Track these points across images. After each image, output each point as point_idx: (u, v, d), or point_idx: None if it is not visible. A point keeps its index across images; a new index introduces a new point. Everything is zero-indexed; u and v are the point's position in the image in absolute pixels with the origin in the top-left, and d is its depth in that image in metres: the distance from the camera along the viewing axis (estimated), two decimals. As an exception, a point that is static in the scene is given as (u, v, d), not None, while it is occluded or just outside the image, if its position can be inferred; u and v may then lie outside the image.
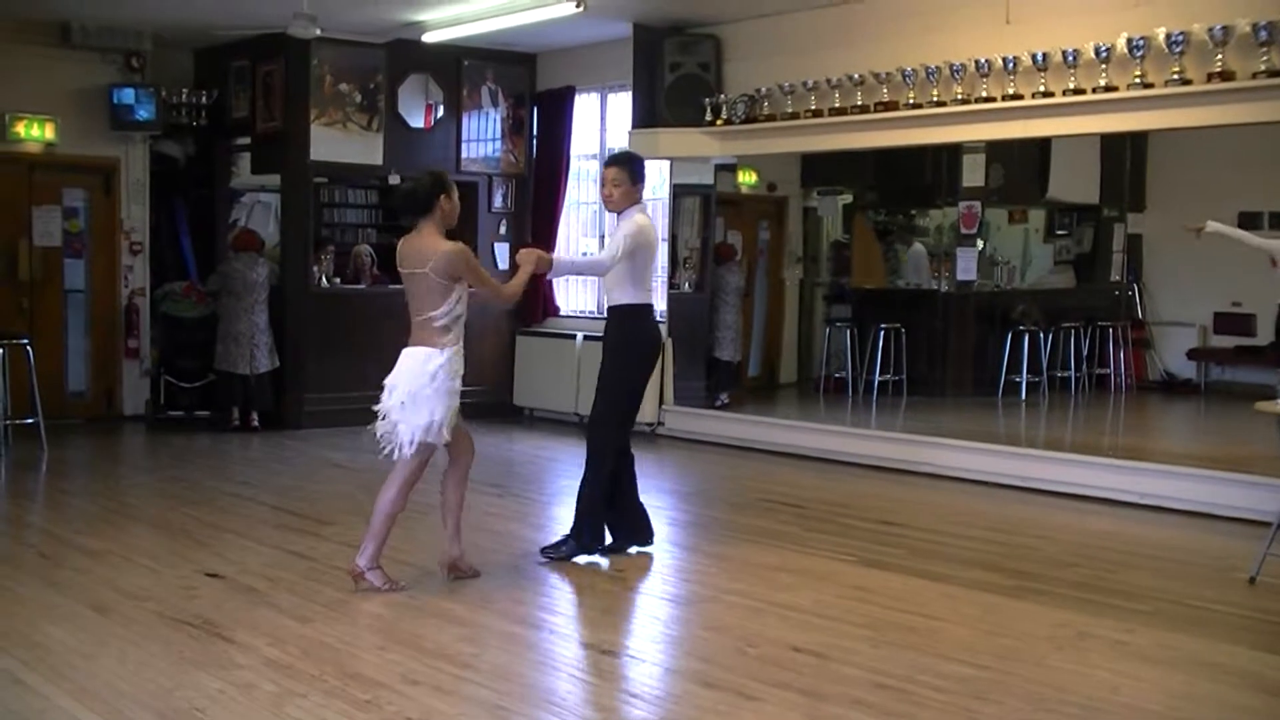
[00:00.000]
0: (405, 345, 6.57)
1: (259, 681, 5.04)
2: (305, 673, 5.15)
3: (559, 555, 7.30)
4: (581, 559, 7.28)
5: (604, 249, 7.52)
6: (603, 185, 7.42)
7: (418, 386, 6.39)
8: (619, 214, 7.44)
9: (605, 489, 7.35)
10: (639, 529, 7.58)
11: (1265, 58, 8.12)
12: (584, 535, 7.35)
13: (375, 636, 5.68)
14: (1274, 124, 8.79)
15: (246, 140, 13.14)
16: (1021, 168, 14.05)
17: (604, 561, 7.35)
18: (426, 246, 6.51)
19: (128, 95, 12.50)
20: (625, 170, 7.32)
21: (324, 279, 12.96)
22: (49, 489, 9.79)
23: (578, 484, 7.42)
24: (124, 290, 12.84)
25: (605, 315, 7.64)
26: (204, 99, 13.11)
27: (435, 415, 6.41)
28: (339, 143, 12.58)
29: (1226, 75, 8.33)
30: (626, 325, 7.45)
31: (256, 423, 12.19)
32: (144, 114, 12.56)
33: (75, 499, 9.23)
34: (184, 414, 12.78)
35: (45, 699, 4.84)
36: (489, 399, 13.57)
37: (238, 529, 7.99)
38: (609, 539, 7.46)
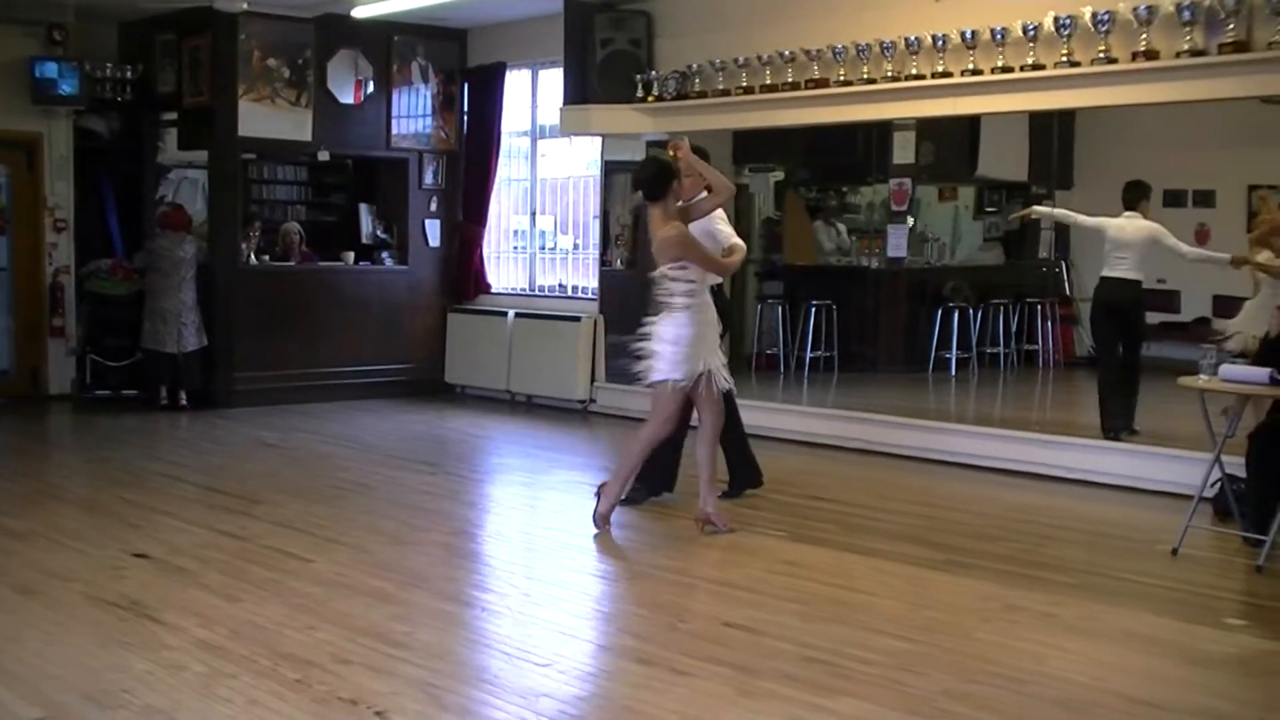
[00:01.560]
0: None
1: (188, 662, 5.00)
2: (235, 653, 5.11)
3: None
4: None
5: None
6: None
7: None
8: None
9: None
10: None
11: (1189, 38, 8.21)
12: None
13: (306, 616, 5.65)
14: (1198, 103, 8.92)
15: (173, 116, 12.96)
16: (951, 145, 14.15)
17: (543, 535, 7.36)
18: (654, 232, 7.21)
19: (50, 69, 12.28)
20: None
21: (252, 256, 12.83)
22: (-27, 470, 9.65)
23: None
24: (49, 268, 12.62)
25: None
26: (129, 73, 12.88)
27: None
28: (268, 119, 12.44)
29: (1151, 55, 8.41)
30: None
31: (185, 401, 12.06)
32: (67, 88, 12.34)
33: None
34: (111, 393, 12.60)
35: (-31, 682, 4.78)
36: (420, 376, 13.53)
37: (167, 509, 7.91)
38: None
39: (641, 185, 7.35)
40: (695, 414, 7.54)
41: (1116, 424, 9.54)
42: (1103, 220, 10.02)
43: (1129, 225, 9.81)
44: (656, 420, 7.32)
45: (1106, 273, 9.90)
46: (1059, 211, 10.57)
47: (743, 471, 8.33)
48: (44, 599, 5.91)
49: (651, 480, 8.02)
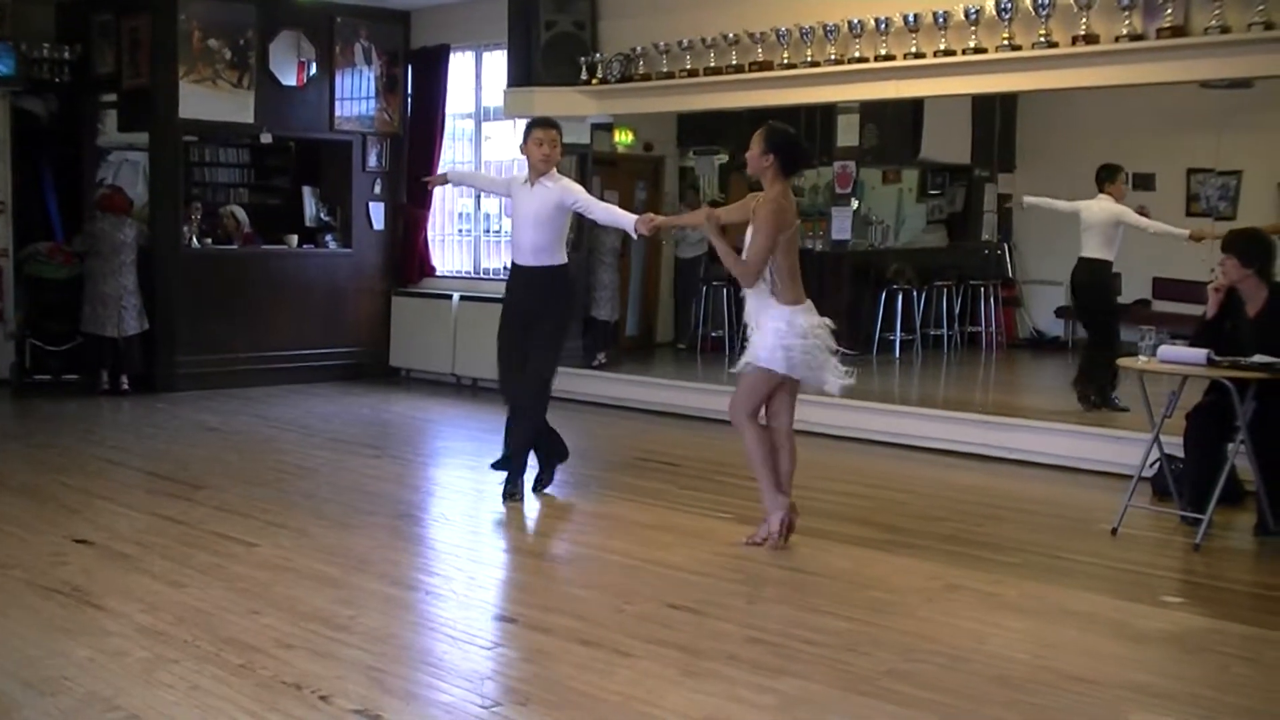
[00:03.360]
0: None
1: (130, 648, 4.97)
2: (178, 638, 5.09)
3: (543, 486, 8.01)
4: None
5: (599, 206, 7.96)
6: (542, 145, 7.63)
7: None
8: (544, 175, 7.66)
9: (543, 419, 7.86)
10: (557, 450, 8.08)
11: (1128, 22, 8.30)
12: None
13: (249, 601, 5.62)
14: (1137, 87, 9.01)
15: (113, 97, 12.82)
16: (895, 128, 14.25)
17: (488, 518, 7.36)
18: None
19: (-14, 49, 12.13)
20: (560, 133, 7.73)
21: (194, 239, 12.72)
22: (-91, 456, 9.52)
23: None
24: (-14, 252, 12.48)
25: (527, 273, 7.78)
26: (67, 54, 12.72)
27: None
28: (209, 100, 12.32)
29: (1091, 39, 8.49)
30: (560, 283, 7.81)
31: (126, 385, 11.95)
32: (4, 69, 12.16)
33: (-63, 466, 8.99)
34: (51, 378, 12.47)
35: (-93, 670, 4.73)
36: (365, 360, 13.48)
37: (108, 494, 7.85)
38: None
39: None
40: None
41: (1087, 394, 10.06)
42: (1076, 204, 10.33)
43: (1094, 206, 10.15)
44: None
45: (1080, 254, 10.29)
46: (1045, 201, 10.76)
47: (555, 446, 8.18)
48: (-17, 586, 5.86)
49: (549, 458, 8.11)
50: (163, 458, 9.18)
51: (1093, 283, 10.34)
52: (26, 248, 12.59)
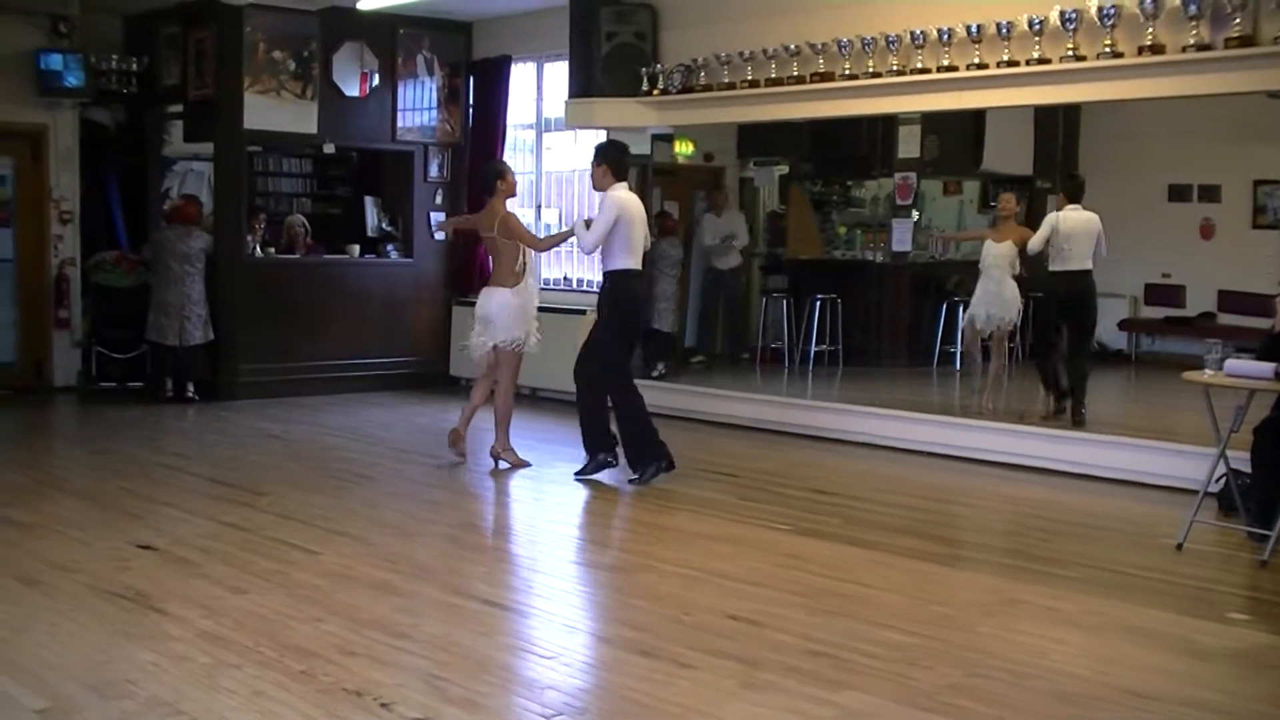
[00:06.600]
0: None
1: (192, 653, 5.01)
2: (239, 644, 5.13)
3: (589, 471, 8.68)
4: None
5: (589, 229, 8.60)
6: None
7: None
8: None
9: (592, 412, 8.67)
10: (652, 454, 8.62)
11: (1194, 31, 8.20)
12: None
13: (310, 607, 5.66)
14: (1203, 97, 8.90)
15: (179, 108, 12.97)
16: (956, 139, 14.13)
17: (547, 528, 7.37)
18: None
19: (55, 60, 12.28)
20: (597, 160, 8.69)
21: (257, 249, 12.85)
22: (-23, 461, 9.66)
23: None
24: (54, 260, 12.62)
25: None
26: (134, 65, 12.88)
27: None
28: (273, 111, 12.45)
29: (1156, 49, 8.40)
30: (606, 287, 8.74)
31: (193, 394, 12.08)
32: (73, 80, 12.35)
33: (3, 471, 9.05)
34: (116, 385, 12.63)
35: (-26, 673, 4.79)
36: (425, 369, 13.55)
37: (171, 500, 7.92)
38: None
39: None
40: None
41: (1060, 399, 10.24)
42: (1048, 218, 10.41)
43: (1074, 217, 10.11)
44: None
45: (1057, 266, 10.29)
46: (1036, 241, 10.65)
47: (652, 449, 8.63)
48: (48, 590, 5.92)
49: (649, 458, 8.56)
50: (224, 464, 9.26)
51: (1084, 293, 10.38)
52: (93, 256, 12.76)
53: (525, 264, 9.15)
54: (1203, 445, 7.96)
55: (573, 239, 8.84)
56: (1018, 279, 11.03)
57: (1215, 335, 8.56)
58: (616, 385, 8.61)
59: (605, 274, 8.72)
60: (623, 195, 8.57)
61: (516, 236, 9.04)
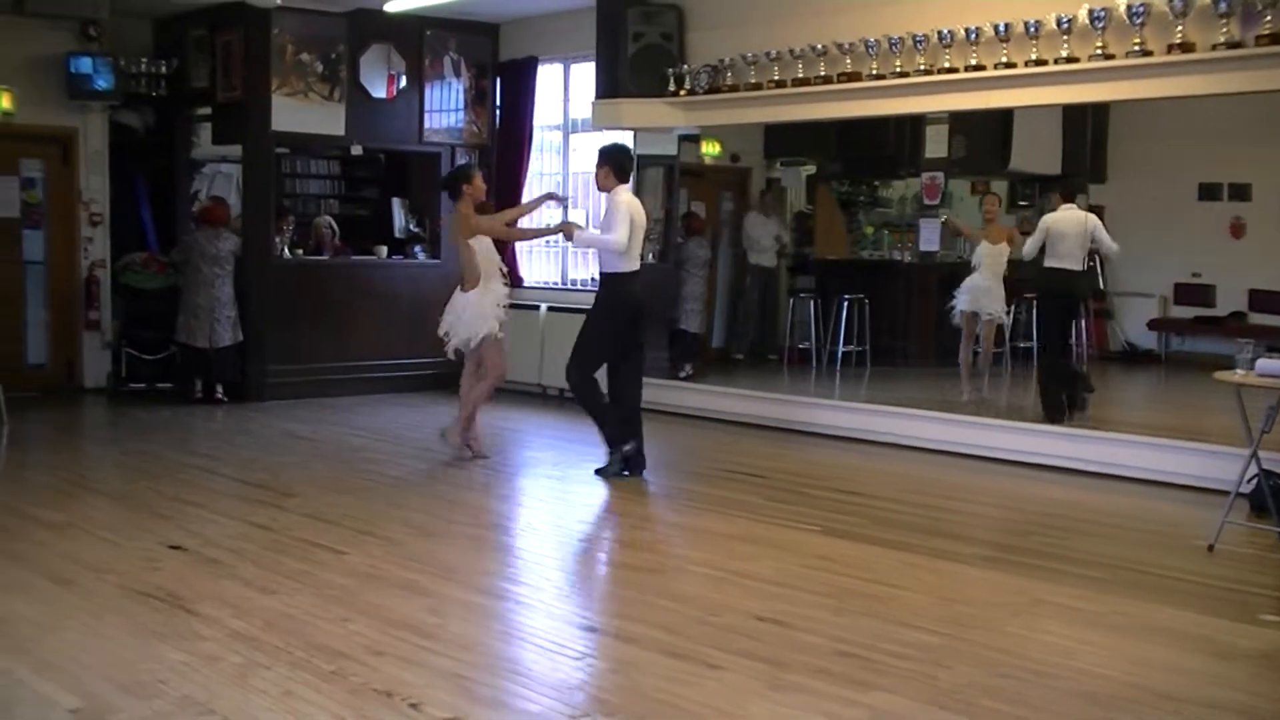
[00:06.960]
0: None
1: (223, 653, 5.04)
2: (269, 644, 5.15)
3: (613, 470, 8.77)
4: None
5: (606, 230, 8.76)
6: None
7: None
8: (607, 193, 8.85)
9: (598, 407, 8.87)
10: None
11: (1225, 29, 8.16)
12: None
13: (339, 608, 5.68)
14: (1233, 96, 8.84)
15: (207, 110, 13.04)
16: (984, 139, 14.09)
17: (575, 528, 7.38)
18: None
19: (85, 64, 12.37)
20: (601, 162, 8.91)
21: (285, 250, 12.90)
22: (8, 462, 9.71)
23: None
24: (84, 261, 12.71)
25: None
26: (163, 68, 12.96)
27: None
28: (300, 113, 12.50)
29: (1186, 47, 8.36)
30: (603, 289, 8.92)
31: (221, 395, 12.14)
32: (102, 83, 12.43)
33: (34, 472, 9.15)
34: (146, 386, 12.71)
35: (6, 673, 4.82)
36: (452, 370, 13.50)
37: (200, 501, 7.97)
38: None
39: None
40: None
41: (1056, 415, 9.99)
42: (1041, 222, 10.46)
43: (1066, 217, 10.11)
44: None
45: (1051, 264, 10.32)
46: (1030, 246, 10.70)
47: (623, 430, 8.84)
48: (80, 590, 5.96)
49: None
50: (253, 466, 9.30)
51: (1071, 292, 10.45)
52: (122, 258, 12.84)
53: (486, 269, 9.47)
54: (1234, 445, 7.92)
55: (600, 240, 8.83)
56: (1008, 279, 11.43)
57: (1246, 335, 8.51)
58: (580, 376, 8.89)
59: (603, 275, 8.96)
60: (629, 198, 8.77)
61: (481, 231, 9.30)
